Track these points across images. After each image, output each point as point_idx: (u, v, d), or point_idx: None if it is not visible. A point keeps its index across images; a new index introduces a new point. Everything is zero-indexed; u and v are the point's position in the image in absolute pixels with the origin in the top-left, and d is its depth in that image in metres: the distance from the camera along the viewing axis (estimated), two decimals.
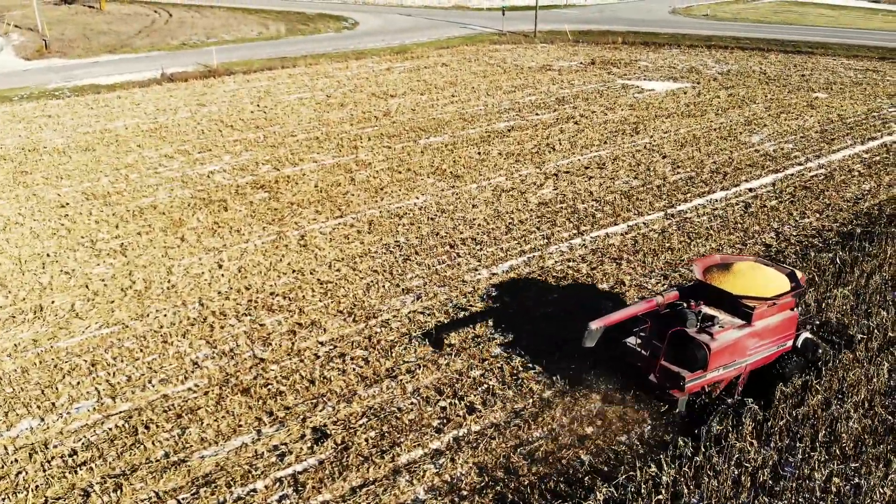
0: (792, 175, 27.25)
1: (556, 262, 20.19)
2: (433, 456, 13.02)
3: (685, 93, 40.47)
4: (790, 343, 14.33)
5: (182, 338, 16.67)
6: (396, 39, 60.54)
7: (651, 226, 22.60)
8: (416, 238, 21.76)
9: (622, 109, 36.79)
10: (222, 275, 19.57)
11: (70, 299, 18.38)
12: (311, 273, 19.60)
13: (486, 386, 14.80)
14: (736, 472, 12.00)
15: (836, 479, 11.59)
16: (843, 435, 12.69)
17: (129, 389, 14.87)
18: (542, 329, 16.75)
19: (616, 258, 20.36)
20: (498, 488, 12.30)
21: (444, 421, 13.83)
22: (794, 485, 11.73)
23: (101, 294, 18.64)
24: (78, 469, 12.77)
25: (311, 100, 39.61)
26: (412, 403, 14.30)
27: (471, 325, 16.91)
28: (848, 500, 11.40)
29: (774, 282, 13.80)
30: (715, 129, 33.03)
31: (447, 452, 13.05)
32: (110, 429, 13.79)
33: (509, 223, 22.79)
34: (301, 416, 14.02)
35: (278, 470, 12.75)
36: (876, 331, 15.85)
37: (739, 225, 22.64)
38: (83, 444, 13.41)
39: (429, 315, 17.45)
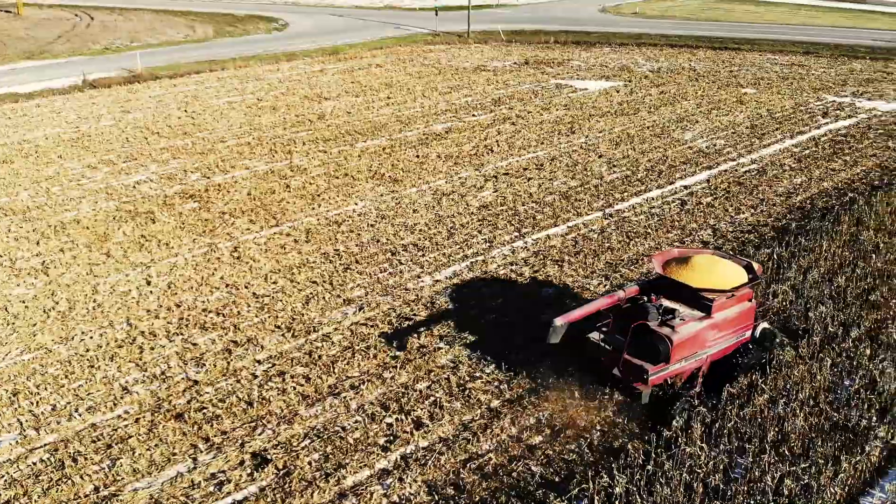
0: (725, 171, 27.64)
1: (499, 265, 19.91)
2: (380, 476, 12.53)
3: (618, 91, 40.84)
4: (749, 334, 14.56)
5: (110, 361, 15.76)
6: (328, 40, 59.60)
7: (590, 226, 22.55)
8: (357, 246, 21.20)
9: (557, 109, 36.87)
10: (151, 292, 18.65)
11: None
12: (245, 287, 18.84)
13: (433, 399, 14.37)
14: (688, 478, 11.86)
15: (787, 481, 11.56)
16: (792, 435, 12.71)
17: (55, 419, 13.94)
18: (488, 336, 16.43)
19: (558, 260, 20.20)
20: None
21: (391, 438, 13.36)
22: (745, 488, 11.66)
23: (22, 317, 17.53)
24: None
25: (242, 104, 38.52)
26: (357, 421, 13.78)
27: (415, 335, 16.47)
28: (800, 501, 11.37)
29: (732, 274, 14.03)
30: (648, 127, 33.35)
31: (395, 472, 12.58)
32: (35, 463, 12.87)
33: (451, 227, 22.43)
34: (239, 441, 13.34)
35: (217, 500, 12.07)
36: (817, 326, 16.03)
37: (677, 223, 22.79)
38: (6, 481, 12.48)
39: (372, 326, 16.93)
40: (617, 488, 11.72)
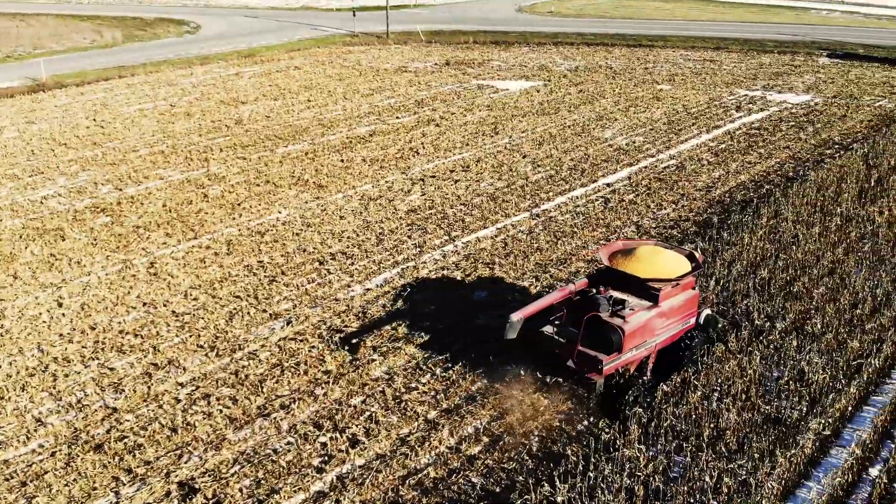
0: (646, 167, 28.06)
1: (430, 271, 19.59)
2: (316, 499, 12.02)
3: (538, 91, 41.12)
4: (693, 320, 14.95)
5: (21, 391, 14.72)
6: (243, 43, 58.11)
7: (518, 227, 22.48)
8: (282, 256, 20.52)
9: (480, 110, 36.83)
10: (63, 314, 17.56)
11: None
12: (164, 305, 17.96)
13: (368, 414, 13.93)
14: (628, 482, 11.81)
15: (726, 479, 11.63)
16: (727, 431, 12.83)
17: None
18: (423, 344, 16.09)
19: (489, 263, 20.03)
20: None
21: (326, 458, 12.86)
22: (685, 488, 11.67)
23: None
24: None
25: (154, 111, 37.06)
26: (289, 443, 13.22)
27: (347, 348, 15.99)
28: (738, 498, 11.45)
29: (676, 263, 14.45)
30: (569, 126, 33.63)
31: (331, 493, 12.10)
32: None
33: (379, 233, 21.99)
34: (164, 471, 12.61)
35: None
36: (744, 320, 16.31)
37: (601, 221, 22.95)
38: None
39: (301, 341, 16.33)
40: (559, 496, 11.57)
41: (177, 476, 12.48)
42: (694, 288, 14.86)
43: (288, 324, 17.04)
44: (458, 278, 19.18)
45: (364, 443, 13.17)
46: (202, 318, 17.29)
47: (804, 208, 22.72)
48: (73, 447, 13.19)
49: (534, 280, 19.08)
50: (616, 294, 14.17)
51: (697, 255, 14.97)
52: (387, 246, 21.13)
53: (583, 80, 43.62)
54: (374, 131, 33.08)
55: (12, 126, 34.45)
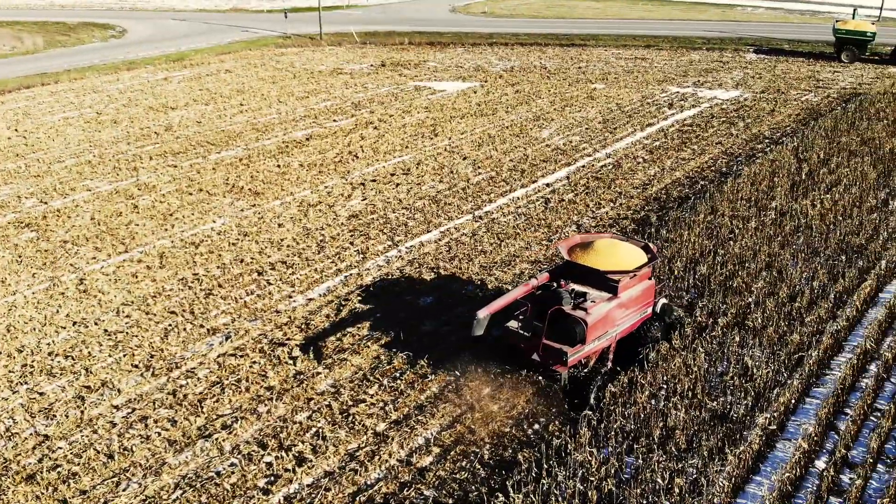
0: (583, 167, 28.24)
1: (374, 278, 19.24)
2: None
3: (475, 92, 41.09)
4: (650, 310, 15.34)
5: None
6: (172, 46, 56.53)
7: (462, 230, 22.32)
8: (218, 268, 19.87)
9: (418, 112, 36.57)
10: None
11: None
12: (95, 323, 17.16)
13: (314, 430, 13.53)
14: (581, 487, 11.73)
15: (677, 480, 11.65)
16: (676, 430, 12.87)
17: None
18: (370, 354, 15.75)
19: (434, 267, 19.80)
20: None
21: (272, 479, 12.42)
22: (638, 491, 11.65)
23: None
24: None
25: (79, 119, 35.65)
26: (232, 464, 12.72)
27: (291, 362, 15.53)
28: (690, 498, 11.48)
29: (632, 255, 14.83)
30: (507, 127, 33.66)
31: None
32: None
33: (320, 241, 21.51)
34: (102, 500, 11.99)
35: None
36: (687, 317, 16.47)
37: (543, 221, 22.95)
38: None
39: (242, 356, 15.79)
40: None
41: None
42: (650, 278, 15.31)
43: (227, 339, 16.47)
44: (404, 285, 18.88)
45: (311, 460, 12.77)
46: (136, 337, 16.58)
47: (739, 203, 23.15)
48: (2, 479, 12.45)
49: (479, 283, 18.92)
50: (577, 287, 14.45)
51: (653, 246, 15.44)
52: (328, 253, 20.69)
53: (519, 81, 43.79)
54: (311, 135, 32.50)
55: None
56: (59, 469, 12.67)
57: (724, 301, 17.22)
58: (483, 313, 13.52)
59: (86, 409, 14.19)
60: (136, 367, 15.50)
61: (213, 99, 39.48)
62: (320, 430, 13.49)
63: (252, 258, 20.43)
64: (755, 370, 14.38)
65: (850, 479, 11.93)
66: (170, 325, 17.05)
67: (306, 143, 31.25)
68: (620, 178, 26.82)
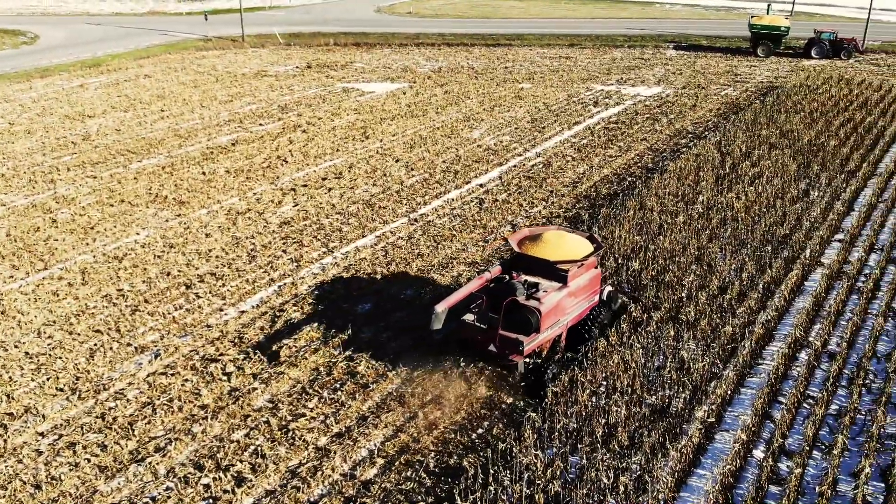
0: (515, 166, 28.37)
1: (310, 286, 18.82)
2: None
3: (404, 93, 40.88)
4: (597, 297, 15.75)
5: None
6: (87, 52, 54.39)
7: (398, 233, 22.09)
8: (143, 282, 19.11)
9: (347, 114, 36.13)
10: None
11: None
12: (14, 346, 16.24)
13: (253, 448, 13.10)
14: (528, 491, 11.68)
15: (622, 478, 11.71)
16: (618, 427, 12.96)
17: None
18: (307, 367, 15.36)
19: (370, 273, 19.51)
20: None
21: (210, 501, 11.96)
22: (584, 491, 11.67)
23: None
24: None
25: None
26: (168, 488, 12.20)
27: (225, 378, 15.02)
28: (639, 496, 11.56)
29: (580, 245, 15.32)
30: (438, 128, 33.57)
31: None
32: None
33: (251, 250, 20.94)
34: None
35: None
36: (631, 303, 16.70)
37: (478, 222, 22.93)
38: None
39: (173, 375, 15.19)
40: None
41: None
42: (596, 267, 15.83)
43: (156, 357, 15.83)
44: (340, 292, 18.53)
45: (251, 480, 12.36)
46: (60, 358, 15.77)
47: (667, 198, 23.61)
48: None
49: (418, 287, 18.71)
50: (529, 278, 14.87)
51: (597, 236, 16.03)
52: (260, 263, 20.16)
53: (447, 81, 43.77)
54: (237, 140, 31.71)
55: None
56: None
57: (656, 295, 17.49)
58: (441, 307, 13.82)
59: (9, 437, 13.40)
60: (62, 390, 14.73)
61: (133, 105, 38.14)
62: (259, 448, 13.07)
63: (179, 271, 19.73)
64: (691, 363, 14.63)
65: (788, 467, 12.23)
66: (95, 344, 16.28)
67: (232, 149, 30.47)
68: (551, 177, 27.03)
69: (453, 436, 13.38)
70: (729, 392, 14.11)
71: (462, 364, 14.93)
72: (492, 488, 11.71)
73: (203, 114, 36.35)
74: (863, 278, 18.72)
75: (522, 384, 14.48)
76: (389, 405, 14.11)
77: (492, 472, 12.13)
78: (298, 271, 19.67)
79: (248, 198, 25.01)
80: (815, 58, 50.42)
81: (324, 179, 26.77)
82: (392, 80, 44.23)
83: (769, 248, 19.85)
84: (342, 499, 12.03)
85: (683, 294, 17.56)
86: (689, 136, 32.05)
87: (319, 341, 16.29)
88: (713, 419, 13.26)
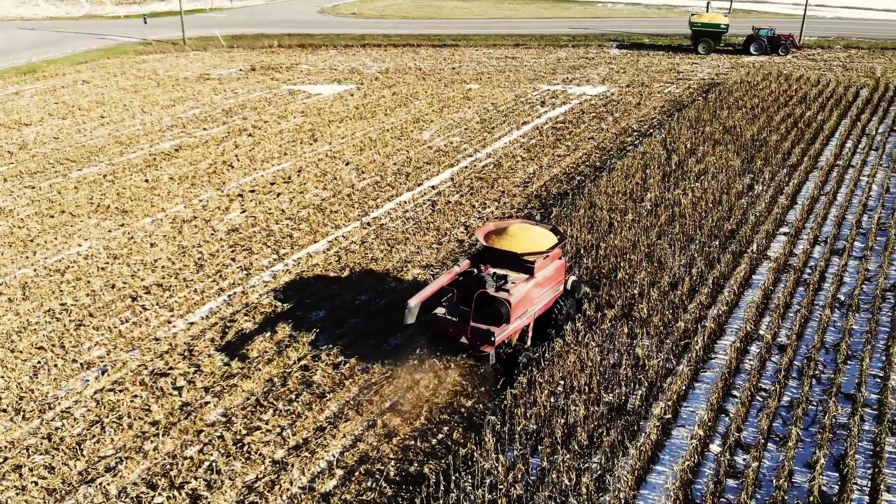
0: (466, 167, 28.36)
1: (261, 295, 18.46)
2: None
3: (352, 95, 40.55)
4: (562, 287, 16.38)
5: None
6: (22, 58, 52.66)
7: (350, 238, 21.85)
8: (87, 296, 18.51)
9: (294, 117, 35.66)
10: None
11: None
12: None
13: (207, 464, 12.77)
14: (490, 497, 11.62)
15: (583, 478, 11.74)
16: (577, 427, 12.99)
17: None
18: (261, 378, 15.05)
19: (323, 279, 19.22)
20: None
21: None
22: (546, 493, 11.66)
23: None
24: None
25: None
26: None
27: (176, 393, 14.61)
28: (601, 495, 11.59)
29: (544, 237, 15.77)
30: (388, 130, 33.37)
31: None
32: None
33: (199, 259, 20.46)
34: None
35: None
36: (593, 291, 16.84)
37: (431, 224, 22.83)
38: None
39: (121, 391, 14.72)
40: None
41: None
42: (561, 258, 16.18)
43: (103, 373, 15.32)
44: (293, 299, 18.22)
45: (206, 497, 12.04)
46: (1, 377, 15.15)
47: (616, 196, 23.84)
48: None
49: (374, 293, 18.51)
50: (497, 271, 15.35)
51: (561, 228, 16.50)
52: (209, 272, 19.71)
53: (395, 83, 43.55)
54: (180, 145, 31.01)
55: None
56: None
57: (610, 293, 17.62)
58: (414, 301, 14.11)
59: None
60: (5, 410, 14.16)
61: (71, 112, 37.02)
62: (214, 464, 12.74)
63: (124, 283, 19.17)
64: (646, 360, 14.77)
65: (744, 460, 12.42)
66: (39, 361, 15.69)
67: (176, 155, 29.78)
68: (502, 178, 27.08)
69: (413, 442, 13.25)
70: (684, 387, 14.28)
71: (423, 367, 14.92)
72: (454, 494, 11.62)
73: (144, 119, 35.48)
74: (808, 270, 19.16)
75: (498, 376, 14.74)
76: (347, 414, 13.91)
77: (453, 478, 12.04)
78: (248, 280, 19.30)
79: (193, 205, 24.46)
80: (755, 54, 51.64)
81: (272, 184, 26.34)
82: (339, 82, 43.85)
83: (717, 243, 20.19)
84: None
85: (636, 291, 17.73)
86: (635, 134, 32.47)
87: (273, 351, 15.99)
88: (669, 415, 13.39)
